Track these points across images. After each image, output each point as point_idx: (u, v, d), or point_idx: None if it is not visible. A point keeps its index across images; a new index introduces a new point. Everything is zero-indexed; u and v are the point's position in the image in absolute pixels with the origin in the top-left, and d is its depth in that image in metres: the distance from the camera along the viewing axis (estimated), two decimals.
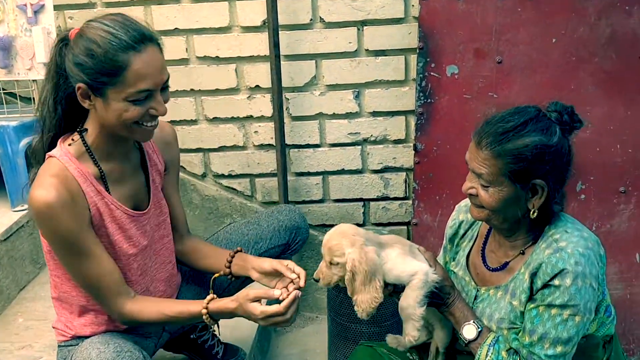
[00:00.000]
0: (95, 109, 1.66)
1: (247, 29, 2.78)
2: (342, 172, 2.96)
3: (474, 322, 1.66)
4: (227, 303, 1.74)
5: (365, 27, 2.75)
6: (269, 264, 1.87)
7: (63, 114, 1.73)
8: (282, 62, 2.75)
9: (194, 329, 2.21)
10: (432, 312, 1.75)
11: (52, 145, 1.73)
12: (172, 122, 2.92)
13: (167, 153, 1.98)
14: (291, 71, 2.81)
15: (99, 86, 1.60)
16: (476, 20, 2.58)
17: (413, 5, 2.69)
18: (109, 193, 1.75)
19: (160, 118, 1.73)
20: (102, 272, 1.71)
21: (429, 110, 2.68)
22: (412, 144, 2.85)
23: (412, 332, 1.66)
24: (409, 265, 1.66)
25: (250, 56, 2.81)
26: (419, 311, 1.64)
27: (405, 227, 3.03)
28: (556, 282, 1.52)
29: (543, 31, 2.56)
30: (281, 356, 2.88)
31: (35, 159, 1.78)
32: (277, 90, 2.72)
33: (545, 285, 1.55)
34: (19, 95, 2.59)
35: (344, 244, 1.60)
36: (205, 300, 1.76)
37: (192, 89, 2.87)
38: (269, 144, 2.92)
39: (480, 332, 1.64)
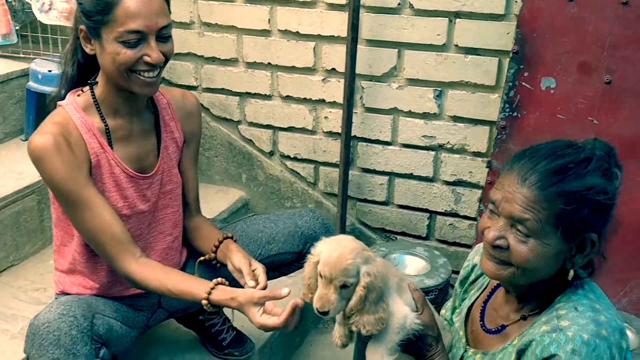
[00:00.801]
0: (96, 54, 1.64)
1: (331, 6, 2.58)
2: (410, 176, 2.68)
3: None
4: (229, 300, 1.61)
5: (457, 20, 2.42)
6: (238, 260, 1.73)
7: (79, 67, 1.73)
8: (361, 47, 2.52)
9: (203, 310, 2.13)
10: (407, 358, 1.48)
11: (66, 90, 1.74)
12: (247, 94, 2.84)
13: (188, 124, 1.90)
14: (370, 58, 2.57)
15: (95, 26, 1.58)
16: (587, 28, 2.15)
17: (516, 1, 2.31)
18: (112, 149, 1.71)
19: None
20: (102, 225, 1.65)
21: (512, 125, 2.30)
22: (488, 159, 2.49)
23: None
24: (390, 303, 1.39)
25: (331, 36, 2.61)
26: (387, 359, 1.39)
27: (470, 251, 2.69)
28: None
29: None
30: (312, 356, 2.72)
31: (50, 110, 1.77)
32: (350, 77, 2.50)
33: None
34: None
35: (359, 262, 1.34)
36: (210, 286, 1.63)
37: (269, 63, 2.75)
38: (338, 133, 2.72)
39: None
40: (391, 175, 2.72)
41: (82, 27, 1.60)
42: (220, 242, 1.84)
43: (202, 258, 1.87)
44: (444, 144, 2.58)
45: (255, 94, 2.83)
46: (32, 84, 2.65)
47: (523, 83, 2.27)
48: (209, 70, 2.88)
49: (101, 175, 1.70)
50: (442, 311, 1.68)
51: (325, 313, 1.36)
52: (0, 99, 2.67)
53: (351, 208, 2.82)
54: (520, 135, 2.30)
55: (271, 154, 2.92)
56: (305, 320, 2.69)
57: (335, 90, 2.67)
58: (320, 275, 1.36)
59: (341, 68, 2.61)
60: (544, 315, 1.29)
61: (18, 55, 2.84)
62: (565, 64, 2.20)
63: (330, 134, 2.76)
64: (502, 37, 2.37)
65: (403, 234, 2.78)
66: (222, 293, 1.62)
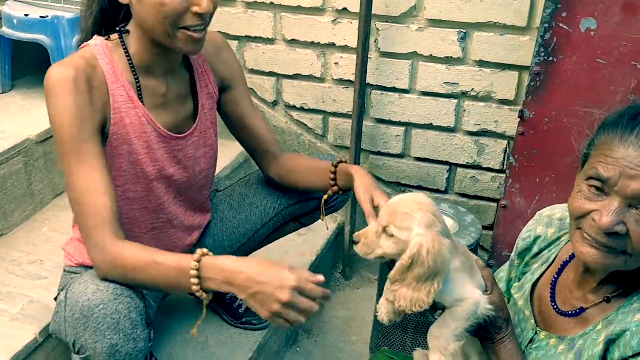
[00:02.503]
0: (132, 7, 1.43)
1: None
2: (429, 126, 2.49)
3: None
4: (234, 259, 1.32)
5: None
6: (361, 194, 1.52)
7: (101, 14, 1.51)
8: None
9: None
10: (472, 340, 1.33)
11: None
12: (246, 38, 2.58)
13: (223, 67, 1.70)
14: None
15: None
16: None
17: None
18: (142, 104, 1.50)
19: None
20: (89, 189, 1.39)
21: (548, 70, 2.11)
22: (519, 109, 2.31)
23: None
24: (460, 286, 1.22)
25: None
26: (452, 346, 1.23)
27: (494, 205, 2.54)
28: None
29: None
30: (325, 316, 2.59)
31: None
32: (365, 17, 2.26)
33: None
34: None
35: (417, 219, 1.16)
36: (199, 253, 1.33)
37: (271, 2, 2.48)
38: (349, 80, 2.50)
39: None
40: (408, 125, 2.52)
41: None
42: (334, 172, 1.67)
43: (325, 197, 1.73)
44: (468, 91, 2.38)
45: (255, 37, 2.57)
46: (6, 30, 2.36)
47: (560, 24, 2.06)
48: None
49: (127, 135, 1.49)
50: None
51: (354, 242, 1.25)
52: None
53: (363, 161, 2.63)
54: (556, 82, 2.11)
55: (274, 103, 2.69)
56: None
57: (347, 32, 2.43)
58: None
59: (353, 7, 2.36)
60: (635, 300, 1.14)
61: None
62: (607, 3, 1.99)
63: (340, 81, 2.53)
64: None
65: (419, 187, 2.61)
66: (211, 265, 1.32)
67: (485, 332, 1.25)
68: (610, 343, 1.11)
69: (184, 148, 1.61)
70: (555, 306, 1.29)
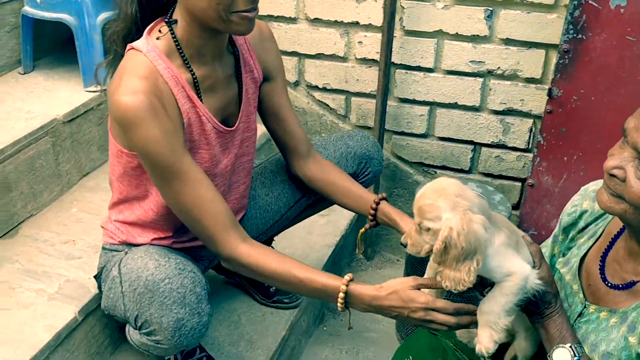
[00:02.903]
0: None
1: None
2: (454, 106, 2.49)
3: (571, 346, 1.24)
4: (371, 288, 1.40)
5: None
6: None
7: (141, 3, 1.46)
8: None
9: None
10: (520, 316, 1.34)
11: (131, 34, 1.48)
12: (268, 17, 2.57)
13: (268, 57, 1.67)
14: None
15: None
16: None
17: None
18: (202, 102, 1.49)
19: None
20: (201, 202, 1.42)
21: (577, 48, 2.10)
22: (547, 87, 2.31)
23: (487, 344, 1.26)
24: (508, 261, 1.23)
25: None
26: (503, 321, 1.25)
27: (519, 184, 2.54)
28: None
29: None
30: None
31: (112, 46, 1.51)
32: None
33: None
34: None
35: (442, 206, 1.18)
36: (346, 278, 1.42)
37: None
38: (373, 60, 2.49)
39: (577, 354, 1.23)
40: (432, 105, 2.51)
41: None
42: (375, 210, 1.70)
43: (363, 230, 1.77)
44: (494, 70, 2.38)
45: (278, 16, 2.55)
46: (29, 9, 2.32)
47: (590, 1, 2.05)
48: None
49: (191, 134, 1.48)
50: None
51: (404, 246, 1.30)
52: None
53: (386, 142, 2.63)
54: (585, 60, 2.11)
55: (296, 84, 2.68)
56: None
57: (371, 11, 2.41)
58: None
59: None
60: None
61: None
62: None
63: (364, 60, 2.52)
64: None
65: (443, 167, 2.61)
66: (361, 285, 1.42)
67: (534, 307, 1.26)
68: None
69: (234, 137, 1.61)
70: (605, 279, 1.30)
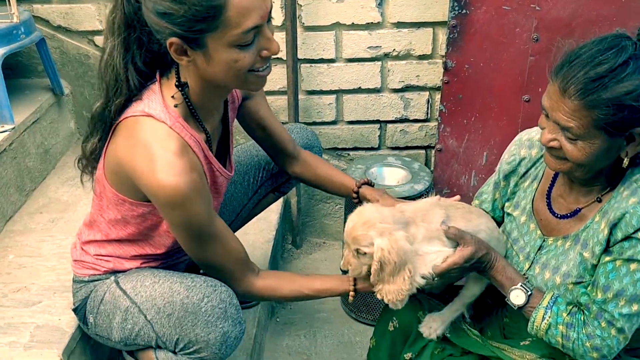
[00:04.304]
0: (195, 64, 1.36)
1: None
2: (358, 90, 2.68)
3: (521, 285, 1.48)
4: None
5: None
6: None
7: (139, 74, 1.42)
8: None
9: None
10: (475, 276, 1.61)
11: (120, 109, 1.43)
12: None
13: None
14: None
15: (196, 36, 1.28)
16: None
17: None
18: (214, 156, 1.53)
19: None
20: (228, 253, 1.53)
21: (462, 23, 2.37)
22: (438, 61, 2.57)
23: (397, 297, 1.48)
24: (434, 249, 1.51)
25: None
26: (418, 280, 1.48)
27: (424, 152, 2.80)
28: None
29: None
30: None
31: (95, 126, 1.47)
32: None
33: (627, 238, 1.34)
34: None
35: (372, 234, 1.44)
36: (351, 280, 1.59)
37: None
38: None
39: (530, 295, 1.47)
40: (338, 92, 2.69)
41: (175, 39, 1.29)
42: (358, 190, 1.82)
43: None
44: (390, 52, 2.59)
45: None
46: None
47: None
48: None
49: (209, 186, 1.53)
50: (475, 202, 1.76)
51: (345, 272, 1.54)
52: None
53: None
54: (470, 32, 2.39)
55: None
56: None
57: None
58: None
59: None
60: (622, 189, 1.40)
61: None
62: None
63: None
64: None
65: (355, 149, 2.80)
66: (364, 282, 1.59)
67: (476, 268, 1.52)
68: (613, 227, 1.37)
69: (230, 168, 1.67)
70: (554, 213, 1.54)
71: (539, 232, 1.56)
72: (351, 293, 1.58)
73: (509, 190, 1.67)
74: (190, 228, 1.44)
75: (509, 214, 1.66)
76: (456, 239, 1.50)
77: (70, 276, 1.85)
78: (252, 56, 1.33)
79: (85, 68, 2.65)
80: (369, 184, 1.86)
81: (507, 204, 1.68)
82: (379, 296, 1.49)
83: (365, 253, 1.46)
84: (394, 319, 1.72)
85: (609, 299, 1.37)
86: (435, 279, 1.50)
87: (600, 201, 1.45)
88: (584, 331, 1.40)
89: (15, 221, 2.24)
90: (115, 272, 1.62)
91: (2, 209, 2.18)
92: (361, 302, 2.48)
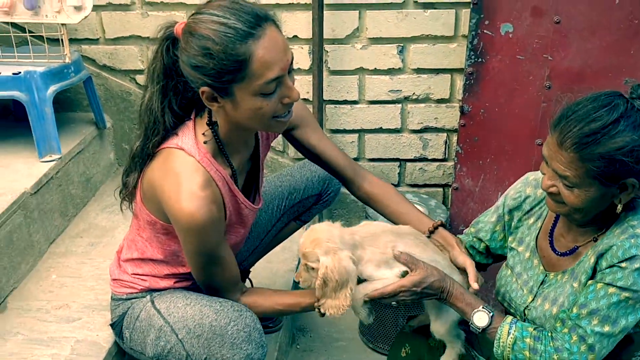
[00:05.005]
0: (224, 109, 1.53)
1: None
2: (379, 130, 2.84)
3: (482, 307, 1.60)
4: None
5: None
6: (462, 260, 1.72)
7: (174, 116, 1.60)
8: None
9: None
10: (431, 303, 1.74)
11: (158, 142, 1.60)
12: None
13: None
14: (332, 22, 2.64)
15: (224, 86, 1.45)
16: None
17: None
18: (240, 190, 1.69)
19: None
20: (227, 276, 1.70)
21: (479, 70, 2.53)
22: (456, 104, 2.73)
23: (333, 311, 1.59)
24: (379, 273, 1.63)
25: (290, 4, 2.63)
26: (360, 299, 1.61)
27: (441, 190, 2.94)
28: (623, 264, 1.44)
29: None
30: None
31: (135, 163, 1.65)
32: (318, 43, 2.56)
33: (610, 266, 1.47)
34: (47, 39, 2.42)
35: (318, 252, 1.56)
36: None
37: None
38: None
39: (492, 316, 1.58)
40: (361, 132, 2.85)
41: (206, 88, 1.46)
42: (433, 231, 1.80)
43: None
44: (409, 96, 2.76)
45: None
46: None
47: (485, 31, 2.49)
48: None
49: (230, 219, 1.68)
50: (471, 229, 1.87)
51: (297, 283, 1.66)
52: None
53: None
54: (486, 79, 2.54)
55: None
56: None
57: (299, 56, 2.71)
58: None
59: (303, 34, 2.65)
60: (616, 228, 1.52)
61: None
62: (520, 10, 2.45)
63: None
64: None
65: None
66: None
67: (432, 296, 1.63)
68: (599, 257, 1.49)
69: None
70: (555, 250, 1.66)
71: (541, 267, 1.68)
72: (316, 304, 1.64)
73: (512, 224, 1.79)
74: (200, 252, 1.61)
75: (512, 249, 1.78)
76: (407, 264, 1.62)
77: (107, 296, 2.02)
78: (275, 104, 1.48)
79: (127, 104, 2.86)
80: (444, 226, 1.84)
81: (510, 238, 1.80)
82: (322, 309, 1.59)
83: (313, 268, 1.57)
84: (407, 345, 1.84)
85: (582, 315, 1.48)
86: (383, 300, 1.61)
87: (596, 240, 1.58)
88: (551, 344, 1.50)
89: (58, 244, 2.42)
90: (151, 290, 1.77)
91: (47, 232, 2.37)
92: (377, 332, 2.59)
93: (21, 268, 2.20)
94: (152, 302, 1.73)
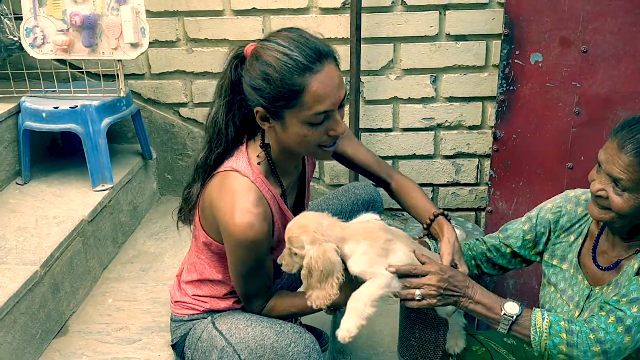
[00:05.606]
0: (274, 130, 1.63)
1: (326, 11, 2.74)
2: (413, 156, 2.95)
3: (508, 299, 1.63)
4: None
5: (447, 12, 2.70)
6: (443, 249, 1.74)
7: (235, 130, 1.70)
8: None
9: None
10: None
11: (218, 159, 1.71)
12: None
13: None
14: (368, 54, 2.77)
15: (277, 110, 1.56)
16: (563, 7, 2.53)
17: None
18: (289, 209, 1.77)
19: None
20: (263, 285, 1.77)
21: (510, 97, 2.65)
22: (487, 130, 2.83)
23: (351, 327, 1.51)
24: (374, 268, 1.56)
25: (328, 38, 2.77)
26: (367, 310, 1.52)
27: (474, 213, 3.03)
28: None
29: (632, 20, 2.52)
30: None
31: (198, 173, 1.75)
32: (356, 75, 2.69)
33: None
34: (102, 75, 2.56)
35: (304, 239, 1.55)
36: None
37: None
38: None
39: (521, 304, 1.61)
40: (395, 158, 2.96)
41: (260, 108, 1.58)
42: (432, 220, 1.86)
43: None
44: (442, 123, 2.87)
45: None
46: (32, 124, 2.50)
47: (515, 60, 2.61)
48: (200, 85, 2.90)
49: (279, 236, 1.74)
50: (500, 235, 1.93)
51: (280, 265, 1.62)
52: None
53: None
54: (517, 106, 2.66)
55: None
56: None
57: None
58: None
59: (341, 66, 2.76)
60: None
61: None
62: (548, 40, 2.58)
63: None
64: (488, 22, 2.70)
65: None
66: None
67: (458, 295, 1.62)
68: None
69: None
70: (599, 266, 1.75)
71: (586, 282, 1.76)
72: (306, 297, 1.64)
73: (548, 240, 1.86)
74: (245, 263, 1.68)
75: (554, 266, 1.85)
76: (426, 262, 1.61)
77: (164, 318, 2.12)
78: (320, 134, 1.58)
79: (170, 135, 2.99)
80: (444, 215, 1.87)
81: (546, 255, 1.87)
82: (309, 303, 1.55)
83: (296, 254, 1.56)
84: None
85: (622, 302, 1.56)
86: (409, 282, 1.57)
87: (637, 253, 1.66)
88: (586, 325, 1.57)
89: (111, 270, 2.53)
90: (211, 311, 1.85)
91: (101, 258, 2.47)
92: (417, 352, 2.65)
93: (79, 293, 2.30)
94: (213, 324, 1.81)
